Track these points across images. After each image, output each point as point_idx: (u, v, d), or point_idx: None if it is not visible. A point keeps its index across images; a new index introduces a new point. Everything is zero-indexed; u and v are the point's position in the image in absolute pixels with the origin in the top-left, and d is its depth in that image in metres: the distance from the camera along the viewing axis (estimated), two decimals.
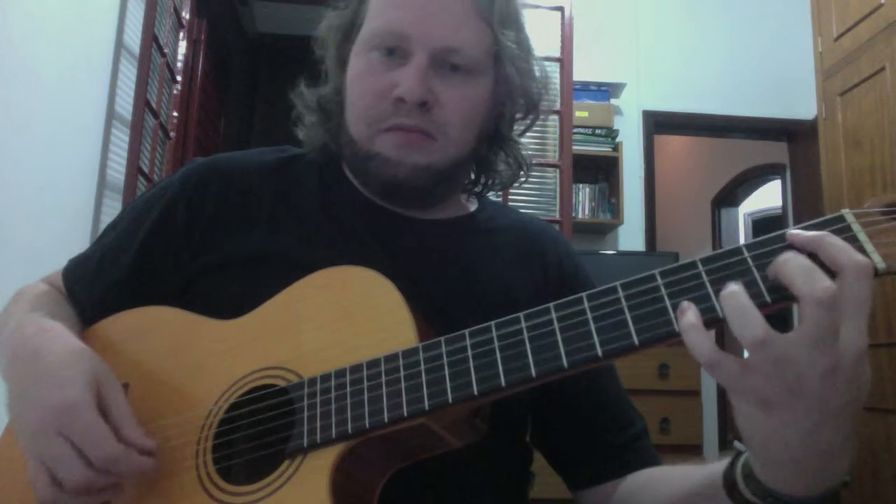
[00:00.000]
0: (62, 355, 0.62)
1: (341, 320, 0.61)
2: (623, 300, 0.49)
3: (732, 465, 0.53)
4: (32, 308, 0.72)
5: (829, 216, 0.47)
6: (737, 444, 0.53)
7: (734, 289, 0.44)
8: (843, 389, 0.43)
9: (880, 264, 0.44)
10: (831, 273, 0.43)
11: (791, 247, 0.46)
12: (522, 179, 0.85)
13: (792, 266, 0.44)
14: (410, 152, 0.71)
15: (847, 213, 0.46)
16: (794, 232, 0.46)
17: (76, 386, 0.58)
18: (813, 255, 0.44)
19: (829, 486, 0.48)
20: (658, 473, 0.70)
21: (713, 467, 0.57)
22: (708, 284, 0.47)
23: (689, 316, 0.46)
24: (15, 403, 0.62)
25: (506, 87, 0.77)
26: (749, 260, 0.47)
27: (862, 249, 0.44)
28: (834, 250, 0.44)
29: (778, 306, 0.45)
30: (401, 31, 0.71)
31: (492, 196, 0.88)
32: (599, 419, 0.75)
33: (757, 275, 0.46)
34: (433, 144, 0.72)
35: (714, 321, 0.46)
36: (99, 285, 0.76)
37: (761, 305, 0.45)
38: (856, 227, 0.45)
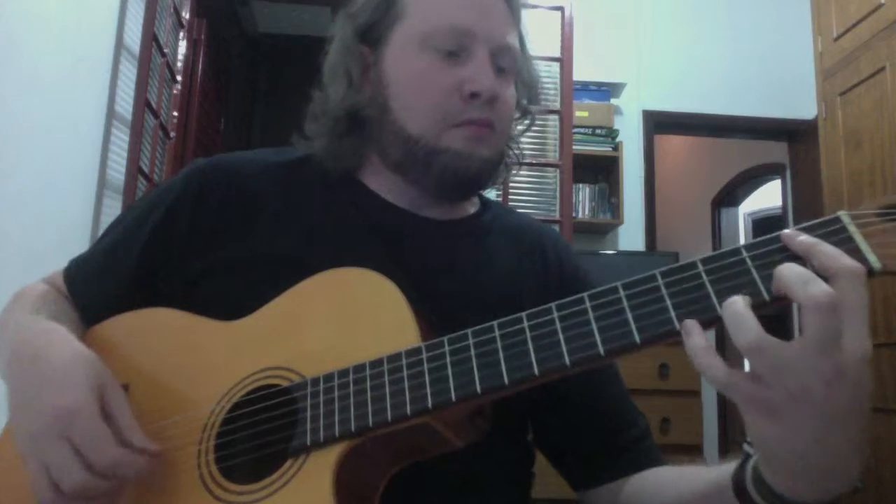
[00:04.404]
0: (65, 359, 0.61)
1: (344, 321, 0.61)
2: (624, 299, 0.50)
3: (742, 467, 0.53)
4: (34, 309, 0.71)
5: (825, 218, 0.47)
6: (746, 446, 0.53)
7: (733, 297, 0.45)
8: (848, 394, 0.43)
9: (876, 265, 0.44)
10: (825, 280, 0.43)
11: (787, 248, 0.46)
12: (514, 173, 0.87)
13: (788, 275, 0.44)
14: (480, 146, 0.73)
15: (843, 214, 0.47)
16: (788, 233, 0.47)
17: (79, 390, 0.58)
18: (806, 262, 0.45)
19: (840, 491, 0.48)
20: (666, 475, 0.70)
21: (721, 469, 0.57)
22: (708, 284, 0.47)
23: (695, 339, 0.46)
24: (16, 405, 0.62)
25: (521, 88, 0.81)
26: (748, 260, 0.47)
27: (858, 250, 0.45)
28: (824, 257, 0.44)
29: (779, 303, 0.46)
30: (467, 28, 0.73)
31: (491, 195, 0.89)
32: (602, 419, 0.76)
33: (756, 275, 0.47)
34: (494, 138, 0.75)
35: (715, 320, 0.46)
36: (101, 286, 0.76)
37: (761, 305, 0.45)
38: (851, 229, 0.46)
